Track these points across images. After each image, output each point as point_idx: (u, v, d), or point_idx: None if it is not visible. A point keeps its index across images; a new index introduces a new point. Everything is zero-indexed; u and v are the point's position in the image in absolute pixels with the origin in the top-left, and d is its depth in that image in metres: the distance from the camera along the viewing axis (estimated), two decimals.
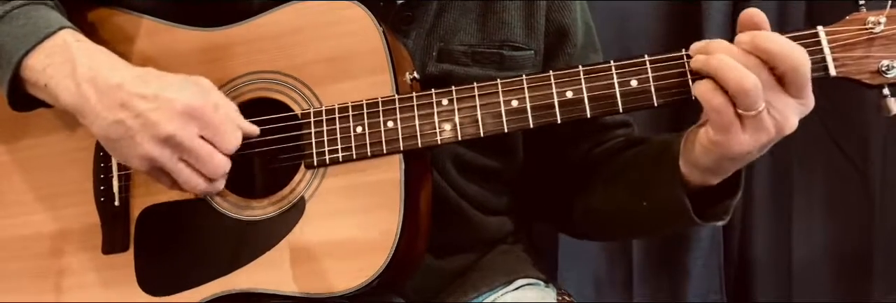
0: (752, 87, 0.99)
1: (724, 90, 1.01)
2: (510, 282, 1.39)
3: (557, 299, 1.42)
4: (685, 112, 2.07)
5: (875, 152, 2.09)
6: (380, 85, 1.17)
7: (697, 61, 1.04)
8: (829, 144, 2.12)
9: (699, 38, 2.00)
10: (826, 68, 1.04)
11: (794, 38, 1.04)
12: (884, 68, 1.03)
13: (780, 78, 1.01)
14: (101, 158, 1.28)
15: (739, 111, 1.01)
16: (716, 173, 1.12)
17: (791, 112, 1.03)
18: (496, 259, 1.41)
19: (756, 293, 2.17)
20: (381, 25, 1.18)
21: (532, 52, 1.34)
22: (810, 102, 1.04)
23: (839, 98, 2.09)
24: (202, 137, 1.13)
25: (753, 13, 1.04)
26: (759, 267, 2.17)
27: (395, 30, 1.26)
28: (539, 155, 1.41)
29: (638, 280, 2.19)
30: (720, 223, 1.19)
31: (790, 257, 2.14)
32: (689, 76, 1.07)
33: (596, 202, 1.33)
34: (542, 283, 1.44)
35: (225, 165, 1.14)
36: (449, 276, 1.37)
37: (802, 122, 2.09)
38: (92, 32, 1.27)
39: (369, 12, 1.18)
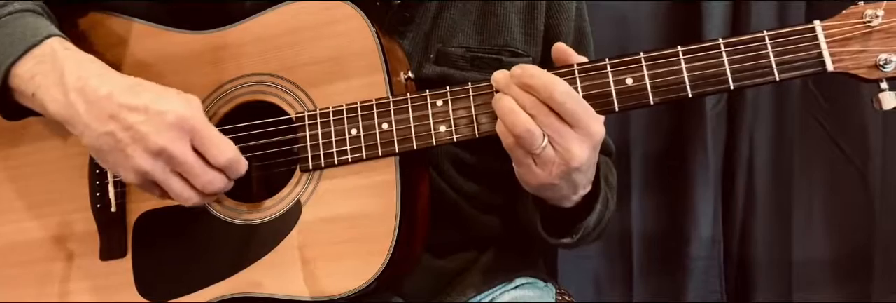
0: (523, 130, 1.05)
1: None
2: (509, 281, 1.39)
3: (557, 299, 1.42)
4: (686, 112, 2.08)
5: (875, 152, 2.09)
6: (374, 86, 1.17)
7: (493, 101, 1.09)
8: (829, 144, 2.11)
9: (699, 38, 2.02)
10: (823, 63, 1.04)
11: (792, 34, 1.05)
12: (881, 62, 1.02)
13: (553, 110, 1.05)
14: (97, 164, 1.27)
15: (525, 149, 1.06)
16: (549, 199, 1.18)
17: (572, 144, 1.06)
18: (495, 258, 1.41)
19: (756, 293, 2.17)
20: (373, 25, 1.17)
21: (530, 58, 1.34)
22: (594, 130, 1.07)
23: (838, 99, 2.10)
24: (195, 150, 1.12)
25: (562, 48, 1.11)
26: (759, 267, 2.16)
27: (393, 31, 1.26)
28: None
29: (638, 280, 2.19)
30: (566, 241, 1.23)
31: (790, 257, 2.14)
32: (685, 74, 1.07)
33: (520, 211, 1.36)
34: (541, 282, 1.43)
35: (218, 179, 1.12)
36: (448, 275, 1.37)
37: (802, 122, 2.12)
38: (84, 37, 1.26)
39: (362, 12, 1.18)
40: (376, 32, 1.17)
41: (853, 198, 2.11)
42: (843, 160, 2.11)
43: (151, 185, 1.14)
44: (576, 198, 1.17)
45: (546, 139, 1.05)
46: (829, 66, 1.04)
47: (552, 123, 1.05)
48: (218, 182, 1.13)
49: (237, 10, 1.25)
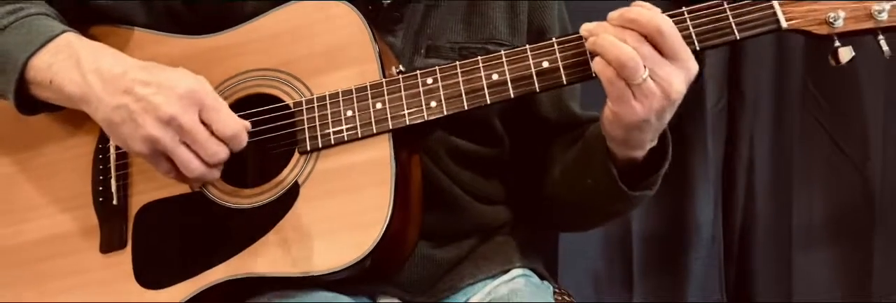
0: (628, 59, 1.09)
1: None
2: (505, 271, 1.40)
3: (557, 299, 1.42)
4: (686, 111, 2.08)
5: (875, 152, 2.10)
6: (368, 73, 1.22)
7: (588, 42, 1.15)
8: (829, 144, 2.12)
9: None
10: (777, 22, 1.11)
11: None
12: (831, 19, 1.10)
13: (654, 45, 1.11)
14: (100, 160, 1.31)
15: (626, 82, 1.11)
16: (630, 145, 1.20)
17: (673, 77, 1.12)
18: (492, 249, 1.41)
19: (756, 293, 2.17)
20: (366, 20, 1.24)
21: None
22: (691, 65, 1.13)
23: (839, 99, 2.11)
24: (202, 123, 1.16)
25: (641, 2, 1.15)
26: (759, 267, 2.17)
27: (384, 29, 1.31)
28: (524, 149, 1.44)
29: (638, 280, 2.19)
30: (649, 193, 1.27)
31: (790, 256, 2.14)
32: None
33: (553, 188, 1.38)
34: (537, 277, 1.44)
35: (222, 150, 1.16)
36: (445, 265, 1.37)
37: (802, 122, 2.12)
38: None
39: (355, 8, 1.24)
40: (369, 26, 1.23)
41: (853, 198, 2.12)
42: (843, 160, 2.12)
43: (159, 156, 1.17)
44: (649, 145, 1.21)
45: (647, 71, 1.10)
46: (784, 24, 1.11)
47: (653, 55, 1.11)
48: (222, 154, 1.17)
49: (238, 13, 1.30)
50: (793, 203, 2.14)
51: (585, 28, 1.16)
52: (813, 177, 2.14)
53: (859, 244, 2.12)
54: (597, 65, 1.12)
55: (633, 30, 1.11)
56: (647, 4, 1.14)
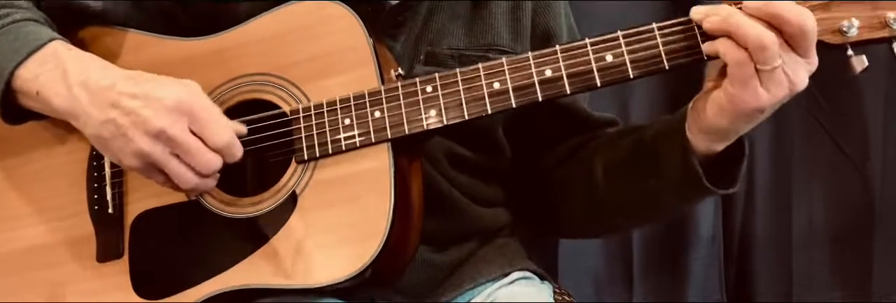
0: (770, 42, 1.06)
1: (742, 47, 1.08)
2: (506, 274, 1.39)
3: (556, 299, 1.41)
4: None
5: (875, 152, 2.10)
6: (365, 79, 1.19)
7: (714, 22, 1.10)
8: (829, 144, 2.12)
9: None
10: None
11: None
12: (844, 28, 1.09)
13: (789, 39, 1.08)
14: (94, 167, 1.29)
15: (757, 66, 1.08)
16: (726, 136, 1.17)
17: (801, 69, 1.10)
18: (492, 252, 1.40)
19: (756, 293, 2.17)
20: (364, 24, 1.20)
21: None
22: (815, 60, 1.10)
23: (839, 99, 2.10)
24: (193, 133, 1.14)
25: None
26: (759, 267, 2.17)
27: (385, 34, 1.28)
28: (529, 156, 1.42)
29: (638, 280, 2.19)
30: (731, 190, 1.22)
31: (790, 256, 2.14)
32: (661, 48, 1.12)
33: (599, 191, 1.33)
34: (537, 278, 1.43)
35: (215, 160, 1.15)
36: (445, 269, 1.37)
37: (802, 122, 2.11)
38: (82, 49, 1.28)
39: (351, 10, 1.21)
40: (366, 28, 1.20)
41: (853, 198, 2.12)
42: (843, 160, 2.12)
43: (152, 169, 1.16)
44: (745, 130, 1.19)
45: (781, 60, 1.08)
46: None
47: (784, 48, 1.08)
48: (215, 163, 1.15)
49: (232, 15, 1.28)
50: (793, 203, 2.14)
51: (702, 10, 1.11)
52: (813, 177, 2.14)
53: (859, 244, 2.12)
54: (726, 47, 1.08)
55: (767, 21, 1.07)
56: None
